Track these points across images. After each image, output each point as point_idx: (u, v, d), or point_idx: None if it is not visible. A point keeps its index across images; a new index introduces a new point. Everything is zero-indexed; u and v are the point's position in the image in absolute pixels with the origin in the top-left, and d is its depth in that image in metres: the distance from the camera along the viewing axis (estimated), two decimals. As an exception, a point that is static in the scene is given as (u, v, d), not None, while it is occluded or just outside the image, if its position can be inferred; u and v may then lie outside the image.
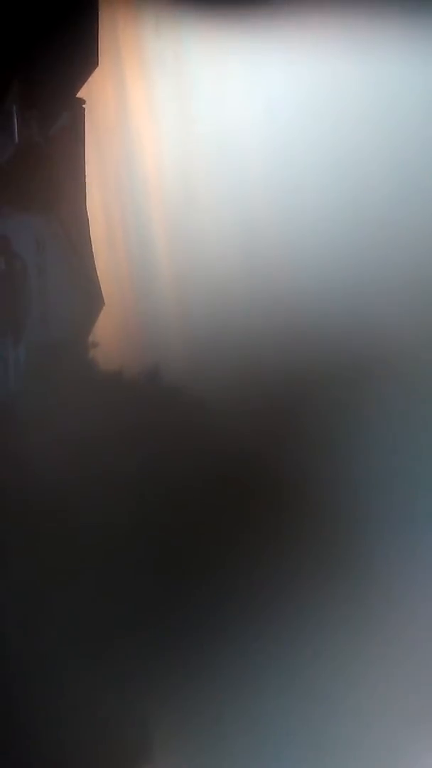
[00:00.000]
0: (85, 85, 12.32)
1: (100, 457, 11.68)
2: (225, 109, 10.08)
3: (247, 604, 8.89)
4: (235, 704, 8.59)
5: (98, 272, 12.17)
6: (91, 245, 12.41)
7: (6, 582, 9.35)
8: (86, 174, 12.13)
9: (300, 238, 9.97)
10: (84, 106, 12.94)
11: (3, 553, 9.92)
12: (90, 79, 12.13)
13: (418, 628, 8.67)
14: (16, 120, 12.71)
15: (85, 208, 12.39)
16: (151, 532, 10.89)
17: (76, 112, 12.94)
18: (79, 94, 12.75)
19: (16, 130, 12.72)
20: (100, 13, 10.31)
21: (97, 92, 12.13)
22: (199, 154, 11.07)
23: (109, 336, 11.63)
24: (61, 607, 9.26)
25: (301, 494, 9.49)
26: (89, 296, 12.27)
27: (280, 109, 9.54)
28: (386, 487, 9.38)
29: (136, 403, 12.33)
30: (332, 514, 9.17)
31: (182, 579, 9.28)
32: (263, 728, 8.57)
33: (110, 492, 11.39)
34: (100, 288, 12.36)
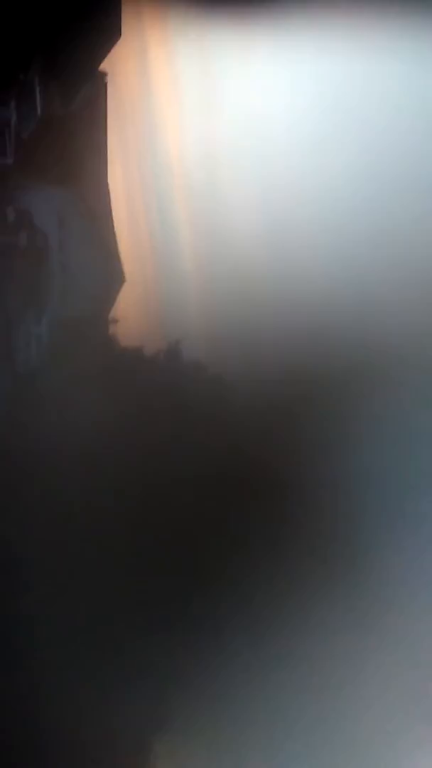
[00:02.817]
0: (108, 57, 12.17)
1: (120, 431, 11.73)
2: (250, 87, 9.95)
3: (246, 604, 8.91)
4: (235, 704, 8.65)
5: (119, 249, 12.13)
6: (112, 221, 12.36)
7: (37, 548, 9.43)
8: (108, 149, 12.06)
9: (321, 217, 9.85)
10: (106, 79, 12.81)
11: (31, 519, 10.00)
12: (113, 51, 11.98)
13: (417, 628, 8.65)
14: (38, 93, 12.62)
15: (107, 184, 12.32)
16: (167, 506, 10.91)
17: (98, 86, 12.82)
18: (102, 67, 12.61)
19: (38, 103, 12.63)
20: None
21: (119, 65, 12.01)
22: (222, 132, 10.97)
23: (130, 313, 11.64)
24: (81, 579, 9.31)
25: (305, 487, 9.46)
26: (110, 273, 12.25)
27: (305, 92, 9.38)
28: (386, 487, 9.33)
29: (155, 379, 12.34)
30: (334, 511, 9.14)
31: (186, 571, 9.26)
32: (263, 729, 8.63)
33: (129, 465, 11.43)
34: (121, 265, 12.32)
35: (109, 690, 8.86)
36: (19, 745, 8.48)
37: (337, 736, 8.61)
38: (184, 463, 11.17)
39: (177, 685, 9.03)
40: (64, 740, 8.60)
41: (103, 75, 13.17)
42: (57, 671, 8.77)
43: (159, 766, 8.76)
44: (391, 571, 9.28)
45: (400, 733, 8.58)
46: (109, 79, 12.55)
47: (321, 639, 8.95)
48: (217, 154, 11.34)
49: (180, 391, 12.87)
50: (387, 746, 8.52)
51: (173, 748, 8.97)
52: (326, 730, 8.63)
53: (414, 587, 9.18)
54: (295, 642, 8.98)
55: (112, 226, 12.73)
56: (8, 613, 8.86)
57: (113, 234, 12.78)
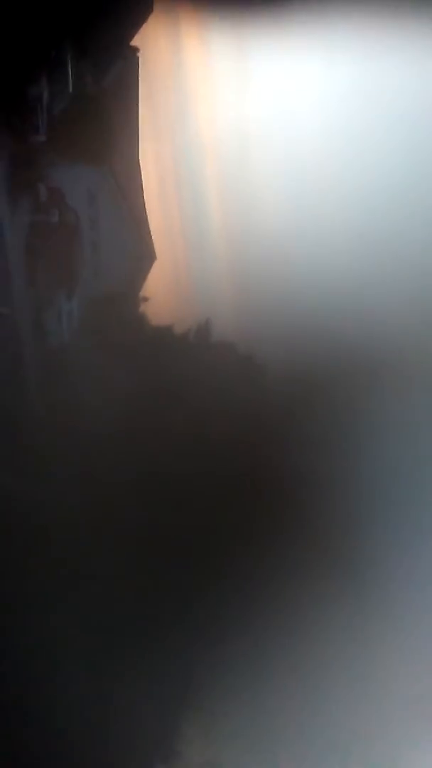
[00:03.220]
0: (139, 33, 12.06)
1: (150, 409, 11.77)
2: (283, 65, 9.84)
3: (247, 603, 8.96)
4: (235, 704, 8.74)
5: (150, 226, 12.11)
6: (143, 199, 12.34)
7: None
8: (139, 125, 12.01)
9: (351, 195, 9.75)
10: (138, 54, 12.72)
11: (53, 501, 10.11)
12: (144, 26, 11.88)
13: (418, 628, 8.66)
14: (70, 70, 12.58)
15: (138, 161, 12.28)
16: (198, 482, 10.96)
17: (129, 62, 12.74)
18: (133, 43, 12.51)
19: (70, 80, 12.60)
20: None
21: (151, 41, 11.92)
22: (254, 109, 10.87)
23: (160, 290, 11.66)
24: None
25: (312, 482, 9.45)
26: (141, 250, 12.25)
27: (339, 73, 9.26)
28: (387, 488, 9.32)
29: (185, 356, 12.34)
30: (337, 511, 9.13)
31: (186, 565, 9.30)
32: (263, 729, 8.72)
33: (158, 442, 11.48)
34: (152, 242, 12.31)
35: (109, 694, 9.01)
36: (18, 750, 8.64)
37: (337, 736, 8.70)
38: (210, 443, 11.22)
39: (177, 685, 9.15)
40: (64, 743, 8.74)
41: (135, 51, 13.06)
42: (57, 672, 8.91)
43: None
44: (392, 570, 9.31)
45: (401, 732, 8.63)
46: (141, 55, 12.47)
47: (322, 638, 9.03)
48: (249, 131, 11.26)
49: (209, 369, 12.88)
50: (387, 744, 8.57)
51: (175, 749, 9.11)
52: (326, 731, 8.72)
53: (416, 585, 9.20)
54: (295, 641, 9.06)
55: (143, 204, 12.71)
56: (13, 608, 8.99)
57: (144, 211, 12.76)
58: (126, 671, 9.13)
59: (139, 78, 12.35)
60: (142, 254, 12.60)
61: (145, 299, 12.78)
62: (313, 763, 8.61)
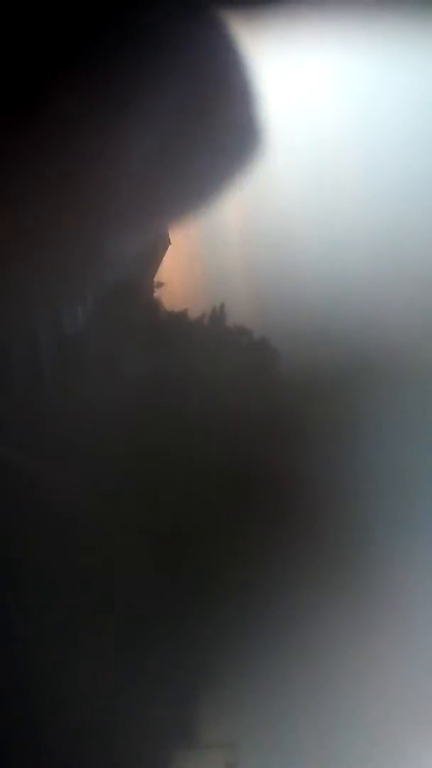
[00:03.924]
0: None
1: (164, 394, 11.81)
2: (302, 39, 9.72)
3: (247, 604, 9.02)
4: (234, 704, 8.81)
5: (164, 211, 12.04)
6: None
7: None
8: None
9: (372, 182, 9.69)
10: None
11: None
12: None
13: (418, 629, 8.70)
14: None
15: (151, 144, 12.19)
16: (211, 468, 11.04)
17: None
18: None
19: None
20: None
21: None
22: (269, 91, 10.77)
23: (174, 276, 11.62)
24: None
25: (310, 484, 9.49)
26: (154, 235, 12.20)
27: (363, 66, 9.16)
28: (387, 488, 9.34)
29: (199, 343, 12.35)
30: (335, 511, 9.17)
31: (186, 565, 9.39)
32: (263, 729, 8.78)
33: (173, 428, 11.55)
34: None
35: (143, 713, 9.10)
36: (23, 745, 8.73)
37: (337, 736, 8.78)
38: (224, 429, 11.24)
39: (205, 691, 9.25)
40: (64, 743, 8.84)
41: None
42: (57, 671, 9.00)
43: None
44: (396, 574, 9.35)
45: (404, 734, 8.71)
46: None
47: (322, 638, 9.09)
48: (267, 113, 11.16)
49: (223, 354, 12.87)
50: (390, 746, 8.66)
51: (195, 762, 9.22)
52: (326, 730, 8.80)
53: (417, 586, 9.25)
54: (295, 641, 9.13)
55: (157, 188, 12.63)
56: (11, 605, 9.05)
57: (158, 196, 12.68)
58: (140, 650, 9.23)
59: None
60: (156, 239, 12.52)
61: (160, 284, 12.72)
62: (335, 740, 8.71)
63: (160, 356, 11.44)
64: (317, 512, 10.20)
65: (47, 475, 10.12)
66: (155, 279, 12.26)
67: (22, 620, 8.68)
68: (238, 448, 11.22)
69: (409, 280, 10.72)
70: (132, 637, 9.28)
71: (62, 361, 11.53)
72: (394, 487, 9.80)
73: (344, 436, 10.66)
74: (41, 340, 11.29)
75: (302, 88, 10.42)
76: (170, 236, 12.11)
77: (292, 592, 9.02)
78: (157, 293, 12.13)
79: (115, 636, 9.27)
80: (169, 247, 12.04)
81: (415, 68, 9.01)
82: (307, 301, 11.34)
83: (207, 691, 9.25)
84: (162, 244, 12.05)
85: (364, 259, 10.77)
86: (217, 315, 12.10)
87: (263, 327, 11.74)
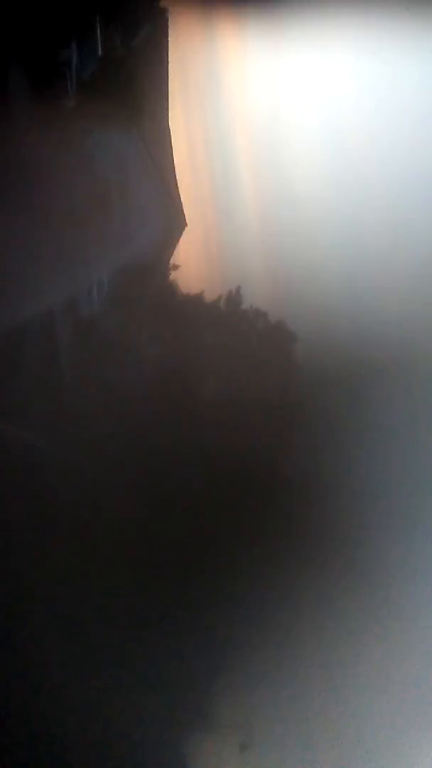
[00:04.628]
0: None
1: (179, 379, 11.76)
2: (318, 30, 9.59)
3: (247, 603, 9.00)
4: (234, 704, 8.80)
5: (180, 193, 11.98)
6: (173, 164, 12.19)
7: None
8: (169, 89, 11.82)
9: (391, 164, 9.56)
10: (167, 15, 12.46)
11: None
12: (174, -16, 11.62)
13: (418, 628, 8.64)
14: (99, 32, 12.37)
15: (168, 126, 12.11)
16: (229, 452, 10.98)
17: (159, 23, 12.49)
18: (163, 4, 12.27)
19: (99, 42, 12.39)
20: None
21: (181, 1, 11.68)
22: (288, 71, 10.64)
23: (191, 258, 11.56)
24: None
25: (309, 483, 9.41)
26: (171, 217, 12.13)
27: (371, 49, 9.03)
28: (387, 488, 9.24)
29: (216, 326, 12.28)
30: (335, 510, 9.10)
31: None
32: (263, 729, 8.78)
33: (189, 411, 11.49)
34: (182, 209, 12.18)
35: (156, 695, 9.14)
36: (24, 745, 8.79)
37: (337, 736, 8.77)
38: (241, 411, 11.20)
39: (221, 674, 9.26)
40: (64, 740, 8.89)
41: (165, 11, 12.81)
42: (58, 669, 9.04)
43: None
44: (395, 574, 9.29)
45: (403, 734, 8.68)
46: (171, 16, 12.22)
47: (323, 639, 9.07)
48: (282, 97, 11.03)
49: (240, 336, 12.81)
50: (390, 746, 8.63)
51: (219, 754, 9.25)
52: (326, 730, 8.80)
53: (416, 586, 9.18)
54: (296, 641, 9.11)
55: (173, 170, 12.56)
56: (11, 605, 9.08)
57: (174, 178, 12.61)
58: (155, 638, 9.27)
59: (169, 40, 12.13)
60: (173, 221, 12.48)
61: (176, 267, 12.70)
62: (345, 731, 8.72)
63: (176, 339, 11.40)
64: (329, 500, 10.10)
65: (57, 457, 10.12)
66: (171, 262, 12.18)
67: (34, 608, 8.72)
68: (254, 430, 11.15)
69: (425, 266, 10.54)
70: (150, 625, 9.30)
71: (78, 344, 11.53)
72: (400, 478, 9.70)
73: (360, 421, 10.56)
74: (57, 323, 11.28)
75: (323, 77, 10.26)
76: (186, 218, 12.00)
77: (298, 581, 8.99)
78: (172, 276, 12.06)
79: (132, 623, 9.29)
80: (185, 230, 11.95)
81: (424, 64, 8.83)
82: (323, 285, 11.21)
83: (221, 676, 9.26)
84: (178, 226, 11.97)
85: (379, 243, 10.62)
86: (234, 298, 12.03)
87: (280, 310, 11.63)
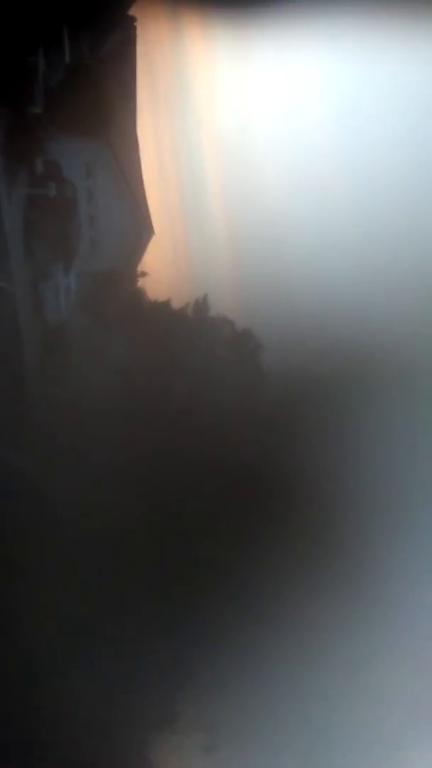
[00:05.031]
0: (137, 1, 11.89)
1: (147, 383, 11.80)
2: (286, 40, 9.72)
3: (247, 602, 9.09)
4: (234, 704, 8.90)
5: (148, 200, 12.03)
6: (141, 172, 12.24)
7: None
8: (137, 97, 11.88)
9: (352, 175, 9.69)
10: (135, 24, 12.52)
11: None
12: (142, -5, 11.68)
13: (418, 627, 8.79)
14: (66, 40, 12.39)
15: (136, 134, 12.16)
16: (194, 457, 11.04)
17: (127, 32, 12.54)
18: (131, 12, 12.31)
19: (67, 50, 12.41)
20: None
21: (149, 10, 11.75)
22: (255, 86, 10.75)
23: (159, 265, 11.63)
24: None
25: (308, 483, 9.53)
26: (139, 225, 12.18)
27: (343, 55, 9.16)
28: (387, 488, 9.39)
29: (183, 331, 12.33)
30: (335, 510, 9.23)
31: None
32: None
33: (156, 416, 11.52)
34: (150, 217, 12.24)
35: (110, 687, 9.18)
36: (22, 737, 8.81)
37: (337, 736, 8.89)
38: (207, 417, 11.27)
39: (178, 682, 9.32)
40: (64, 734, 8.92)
41: (132, 21, 12.85)
42: (59, 665, 9.06)
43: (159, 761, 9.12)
44: (395, 573, 9.42)
45: (401, 732, 8.82)
46: (139, 26, 12.28)
47: (322, 637, 9.18)
48: (249, 105, 11.15)
49: (207, 344, 12.89)
50: (388, 745, 8.76)
51: (183, 756, 9.32)
52: (326, 730, 8.91)
53: (416, 584, 9.32)
54: (296, 643, 9.21)
55: (141, 178, 12.61)
56: (12, 606, 9.10)
57: (142, 185, 12.66)
58: (129, 642, 9.30)
59: (137, 49, 12.19)
60: (141, 229, 12.54)
61: (144, 274, 12.74)
62: (311, 725, 8.82)
63: (144, 346, 11.44)
64: (296, 498, 10.20)
65: (27, 465, 10.11)
66: (139, 269, 12.23)
67: (13, 613, 8.71)
68: (221, 437, 11.23)
69: (393, 273, 10.71)
70: (117, 628, 9.31)
71: (44, 350, 11.51)
72: (373, 471, 9.81)
73: (328, 428, 10.67)
74: (23, 329, 11.27)
75: (290, 88, 10.41)
76: (154, 226, 12.06)
77: (267, 582, 9.07)
78: (140, 283, 12.11)
79: (98, 626, 9.30)
80: (153, 237, 12.01)
81: (403, 69, 9.00)
82: (291, 293, 11.34)
83: (187, 679, 9.31)
84: (146, 234, 12.03)
85: (348, 252, 10.76)
86: (201, 305, 12.12)
87: (247, 318, 11.74)
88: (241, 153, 11.06)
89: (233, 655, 9.07)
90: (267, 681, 9.02)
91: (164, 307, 12.63)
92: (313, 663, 8.90)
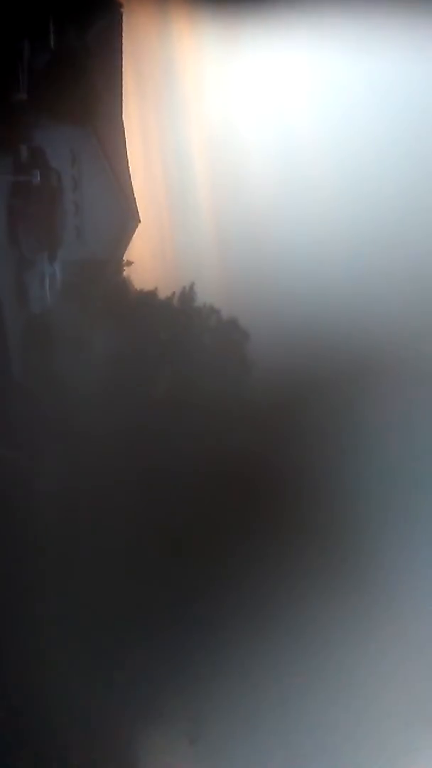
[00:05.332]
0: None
1: (133, 373, 11.71)
2: (275, 30, 9.63)
3: (248, 602, 9.07)
4: (234, 704, 8.90)
5: (134, 189, 11.93)
6: (127, 160, 12.13)
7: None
8: (123, 84, 11.76)
9: (340, 163, 9.64)
10: (122, 10, 12.39)
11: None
12: (128, -21, 11.55)
13: (418, 626, 8.79)
14: (51, 24, 12.23)
15: (122, 121, 12.04)
16: (182, 449, 10.98)
17: (113, 17, 12.40)
18: (117, -2, 12.14)
19: (52, 36, 12.26)
20: None
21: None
22: (242, 68, 10.67)
23: (144, 254, 11.54)
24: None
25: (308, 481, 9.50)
26: (125, 213, 12.08)
27: (329, 53, 9.10)
28: (386, 487, 9.38)
29: (169, 321, 12.25)
30: (335, 510, 9.21)
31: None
32: (264, 728, 8.88)
33: (141, 407, 11.45)
34: (135, 205, 12.14)
35: (107, 688, 9.15)
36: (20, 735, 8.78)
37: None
38: (194, 407, 11.22)
39: (172, 667, 9.30)
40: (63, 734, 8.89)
41: (119, 6, 12.72)
42: (59, 667, 9.02)
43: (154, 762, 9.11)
44: (395, 571, 9.42)
45: (399, 733, 8.83)
46: (125, 12, 12.15)
47: (322, 637, 9.17)
48: (237, 92, 11.06)
49: (193, 333, 12.82)
50: (386, 745, 8.77)
51: (168, 746, 9.29)
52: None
53: (415, 584, 9.32)
54: (295, 640, 9.20)
55: (127, 165, 12.49)
56: (12, 606, 9.04)
57: (128, 173, 12.55)
58: (119, 647, 9.28)
59: (123, 35, 12.05)
60: (126, 217, 12.43)
61: (129, 263, 12.65)
62: (293, 726, 8.81)
63: (129, 335, 11.36)
64: (284, 490, 10.17)
65: (12, 457, 10.02)
66: (125, 258, 12.13)
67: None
68: (208, 426, 11.16)
69: (379, 262, 10.66)
70: (103, 620, 9.26)
71: (28, 340, 11.41)
72: (360, 461, 9.78)
73: (315, 418, 10.64)
74: (6, 318, 11.16)
75: (278, 77, 10.32)
76: (140, 214, 11.95)
77: (256, 577, 9.04)
78: (126, 272, 12.01)
79: (84, 619, 9.24)
80: (139, 225, 11.91)
81: (394, 64, 8.94)
82: (277, 282, 11.29)
83: (171, 670, 9.27)
84: (131, 222, 11.93)
85: (335, 241, 10.72)
86: (187, 294, 12.04)
87: (233, 307, 11.67)
88: (228, 142, 10.99)
89: (221, 647, 9.06)
90: (253, 672, 9.01)
91: (150, 296, 12.54)
92: (300, 655, 8.90)
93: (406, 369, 10.58)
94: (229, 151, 11.23)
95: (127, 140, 12.37)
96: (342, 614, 8.83)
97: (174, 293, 12.35)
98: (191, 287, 12.37)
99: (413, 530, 9.42)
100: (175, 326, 12.13)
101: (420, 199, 9.63)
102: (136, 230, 12.48)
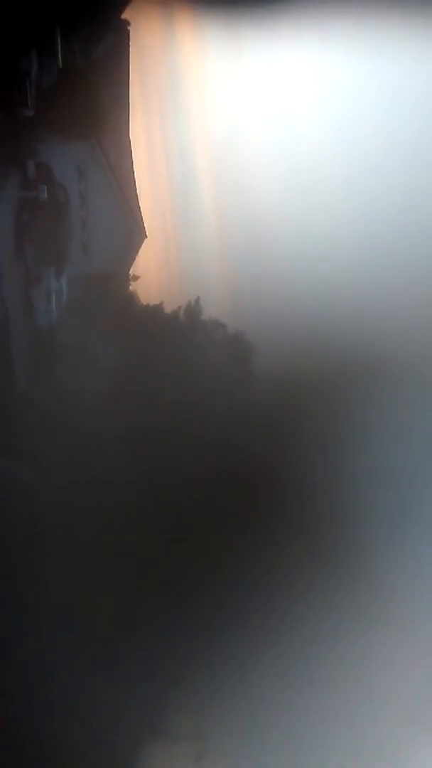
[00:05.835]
0: (130, 6, 11.89)
1: (139, 387, 11.72)
2: (278, 41, 9.70)
3: (247, 601, 9.03)
4: (234, 704, 8.83)
5: (140, 204, 11.99)
6: (133, 175, 12.21)
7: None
8: (130, 101, 11.85)
9: (345, 179, 9.67)
10: (129, 28, 12.51)
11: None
12: (135, -1, 11.67)
13: (418, 625, 8.73)
14: (59, 43, 12.36)
15: (128, 137, 12.12)
16: (188, 462, 10.96)
17: (120, 36, 12.53)
18: (124, 16, 12.30)
19: (59, 53, 12.38)
20: None
21: (142, 15, 11.74)
22: (247, 87, 10.73)
23: (151, 269, 11.59)
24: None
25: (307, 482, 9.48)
26: (131, 228, 12.14)
27: (334, 56, 9.15)
28: (386, 486, 9.36)
29: (175, 335, 12.27)
30: (334, 511, 9.19)
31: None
32: (264, 727, 8.81)
33: (148, 420, 11.45)
34: (142, 220, 12.20)
35: (107, 691, 9.10)
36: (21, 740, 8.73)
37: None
38: (200, 421, 11.22)
39: (176, 685, 9.24)
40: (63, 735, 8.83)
41: (126, 24, 12.84)
42: (59, 668, 8.97)
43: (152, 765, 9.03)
44: (395, 571, 9.36)
45: (401, 733, 8.73)
46: (132, 29, 12.27)
47: (321, 638, 9.10)
48: (242, 107, 11.13)
49: (198, 347, 12.84)
50: (387, 745, 8.68)
51: (168, 750, 9.22)
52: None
53: (415, 585, 9.26)
54: (295, 641, 9.13)
55: (134, 181, 12.58)
56: (10, 606, 9.02)
57: (134, 188, 12.63)
58: (122, 651, 9.22)
59: (130, 52, 12.16)
60: (133, 232, 12.49)
61: (136, 277, 12.70)
62: (298, 743, 8.73)
63: (135, 349, 11.37)
64: (287, 499, 10.15)
65: (12, 469, 10.03)
66: (131, 272, 12.17)
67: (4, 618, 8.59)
68: (211, 439, 11.16)
69: (385, 274, 10.67)
70: (109, 634, 9.21)
71: (35, 353, 11.44)
72: (362, 470, 9.74)
73: (320, 429, 10.61)
74: (13, 333, 11.20)
75: (281, 90, 10.39)
76: (146, 229, 12.01)
77: (258, 592, 8.99)
78: (132, 286, 12.05)
79: (92, 634, 9.20)
80: (146, 240, 11.96)
81: (397, 65, 8.98)
82: (283, 296, 11.30)
83: (177, 688, 9.20)
84: (138, 237, 11.98)
85: (340, 254, 10.73)
86: (193, 308, 12.07)
87: (239, 321, 11.69)
88: (234, 156, 11.04)
89: (224, 663, 8.99)
90: (257, 689, 8.93)
91: (156, 310, 12.57)
92: (305, 672, 8.83)
93: (413, 384, 10.56)
94: (234, 165, 11.29)
95: (133, 155, 12.45)
96: (343, 617, 8.75)
97: (180, 307, 12.39)
98: (197, 301, 12.41)
99: (413, 530, 9.37)
100: (181, 340, 12.15)
101: (427, 206, 9.65)
102: (143, 244, 12.55)
